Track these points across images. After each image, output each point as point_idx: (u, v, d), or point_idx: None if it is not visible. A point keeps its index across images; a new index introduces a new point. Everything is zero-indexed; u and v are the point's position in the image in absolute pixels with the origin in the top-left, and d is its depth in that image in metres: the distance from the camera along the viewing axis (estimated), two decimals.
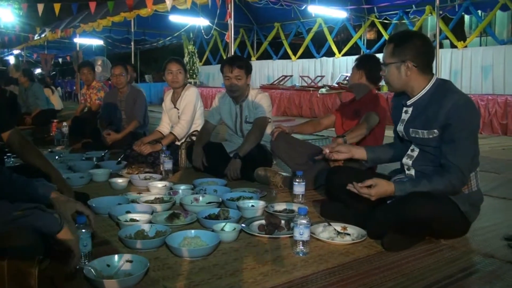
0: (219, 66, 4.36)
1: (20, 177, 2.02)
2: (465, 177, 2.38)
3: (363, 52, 13.69)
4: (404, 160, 2.66)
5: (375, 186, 2.40)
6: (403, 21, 12.84)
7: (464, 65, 10.26)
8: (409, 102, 2.58)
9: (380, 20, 13.24)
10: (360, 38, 14.01)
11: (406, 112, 2.62)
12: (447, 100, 2.37)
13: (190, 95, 4.77)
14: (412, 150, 2.62)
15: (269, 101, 4.29)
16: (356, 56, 4.20)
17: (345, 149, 2.91)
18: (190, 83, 15.55)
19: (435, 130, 2.42)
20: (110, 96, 6.12)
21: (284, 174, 3.93)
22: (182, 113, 4.76)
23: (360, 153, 2.91)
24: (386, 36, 12.96)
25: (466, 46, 10.69)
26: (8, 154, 3.94)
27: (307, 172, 3.50)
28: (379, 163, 3.19)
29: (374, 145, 3.30)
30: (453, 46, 11.15)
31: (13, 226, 1.62)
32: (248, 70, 4.22)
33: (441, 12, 10.40)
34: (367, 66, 3.82)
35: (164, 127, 4.99)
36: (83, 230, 2.07)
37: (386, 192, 2.41)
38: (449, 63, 10.44)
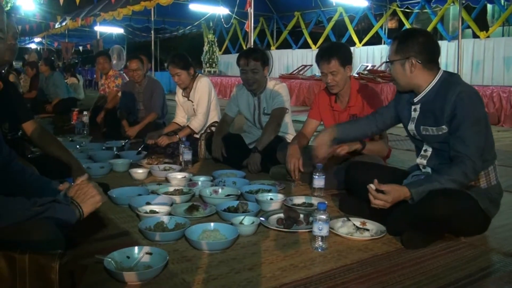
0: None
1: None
2: (477, 166, 2.35)
3: (384, 41, 13.54)
4: (419, 160, 2.65)
5: (388, 193, 2.35)
6: (425, 10, 12.64)
7: (486, 56, 10.06)
8: (416, 100, 2.58)
9: (402, 9, 13.05)
10: (381, 27, 13.81)
11: (415, 110, 2.61)
12: (451, 94, 2.38)
13: (203, 86, 4.72)
14: (425, 150, 2.61)
15: (286, 91, 4.23)
16: (378, 46, 4.02)
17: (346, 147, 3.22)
18: (210, 72, 15.61)
19: (444, 126, 2.43)
20: (128, 86, 6.08)
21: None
22: (197, 106, 4.72)
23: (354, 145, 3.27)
24: (407, 25, 12.76)
25: (488, 36, 10.49)
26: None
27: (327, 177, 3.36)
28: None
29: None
30: (475, 36, 10.96)
31: (32, 221, 1.65)
32: (264, 62, 4.16)
33: (463, 1, 10.23)
34: (335, 52, 3.47)
35: (180, 119, 5.01)
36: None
37: (400, 197, 2.37)
38: (471, 53, 10.23)
